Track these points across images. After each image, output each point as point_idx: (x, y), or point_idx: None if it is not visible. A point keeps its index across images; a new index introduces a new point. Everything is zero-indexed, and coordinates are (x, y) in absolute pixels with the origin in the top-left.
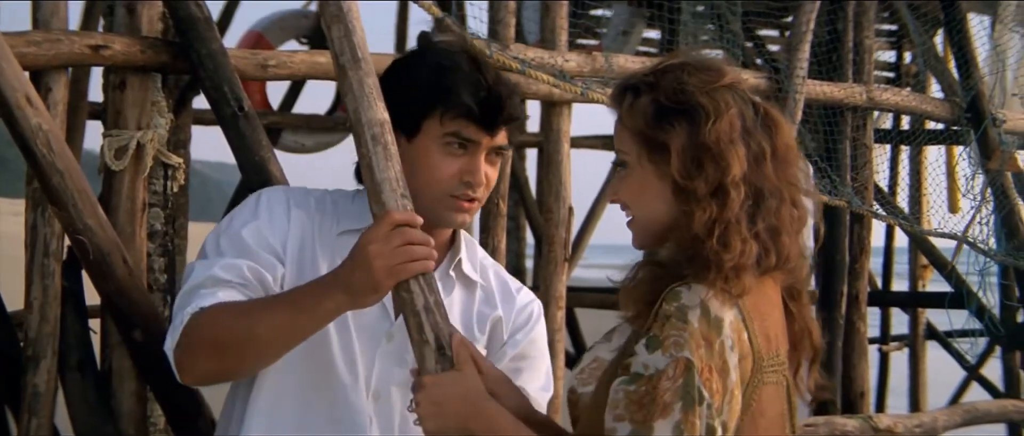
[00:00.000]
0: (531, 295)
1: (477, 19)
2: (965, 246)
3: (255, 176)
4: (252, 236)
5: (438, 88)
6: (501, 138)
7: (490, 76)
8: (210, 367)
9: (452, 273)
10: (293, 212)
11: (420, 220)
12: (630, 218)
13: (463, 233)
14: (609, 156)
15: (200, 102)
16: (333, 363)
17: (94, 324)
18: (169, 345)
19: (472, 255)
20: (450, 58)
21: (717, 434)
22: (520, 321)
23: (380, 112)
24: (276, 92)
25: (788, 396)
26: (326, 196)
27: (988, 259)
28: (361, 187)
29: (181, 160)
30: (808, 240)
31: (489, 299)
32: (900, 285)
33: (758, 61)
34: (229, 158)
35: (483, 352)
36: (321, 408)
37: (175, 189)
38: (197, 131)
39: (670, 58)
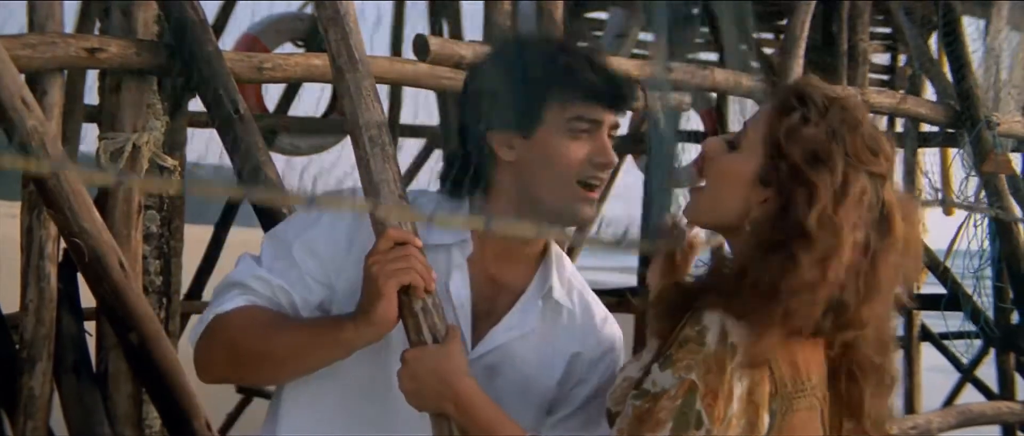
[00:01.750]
0: (614, 328)
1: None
2: (958, 249)
3: (250, 179)
4: (302, 251)
5: (554, 72)
6: (618, 117)
7: (595, 55)
8: (225, 371)
9: (540, 302)
10: (358, 232)
11: (419, 243)
12: (700, 188)
13: (554, 247)
14: None
15: (196, 105)
16: (389, 372)
17: (90, 326)
18: (192, 338)
19: (561, 274)
20: (545, 44)
21: None
22: (596, 356)
23: (377, 114)
24: (272, 95)
25: (823, 421)
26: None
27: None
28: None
29: (177, 163)
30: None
31: (571, 328)
32: None
33: (753, 64)
34: (225, 161)
35: (557, 389)
36: (369, 417)
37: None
38: (193, 134)
39: (850, 95)
